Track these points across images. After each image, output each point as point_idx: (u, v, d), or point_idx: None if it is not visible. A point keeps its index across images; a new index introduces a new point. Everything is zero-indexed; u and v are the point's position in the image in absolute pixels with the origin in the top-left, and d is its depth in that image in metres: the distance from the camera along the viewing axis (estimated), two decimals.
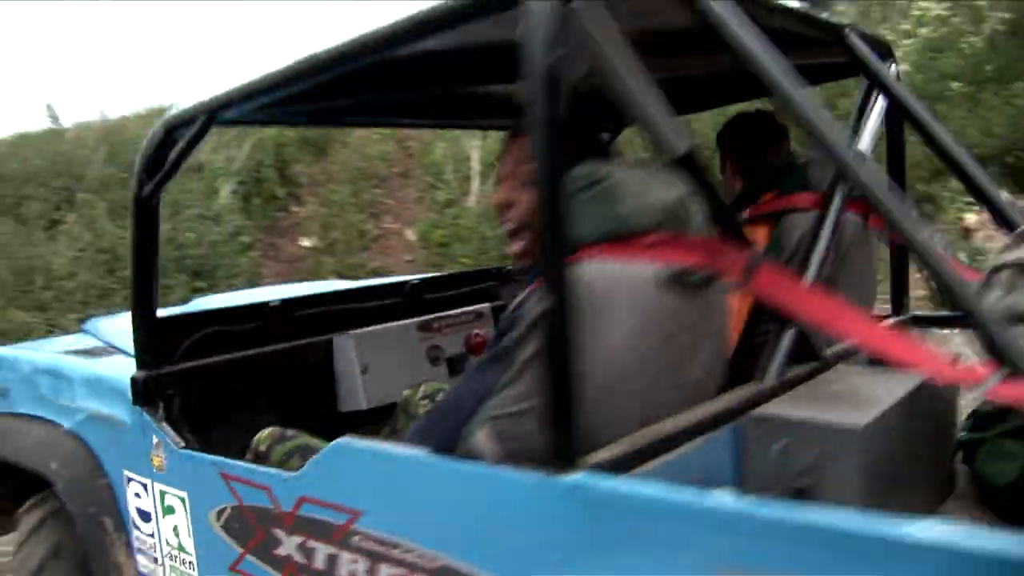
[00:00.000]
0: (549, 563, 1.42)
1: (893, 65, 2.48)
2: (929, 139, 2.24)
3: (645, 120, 1.66)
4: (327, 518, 1.90)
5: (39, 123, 12.39)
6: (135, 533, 2.62)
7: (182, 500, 2.38)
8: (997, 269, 1.78)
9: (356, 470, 1.86)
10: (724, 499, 1.27)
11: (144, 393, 2.43)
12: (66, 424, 2.79)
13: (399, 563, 1.73)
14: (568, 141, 1.55)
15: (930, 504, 1.86)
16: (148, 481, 2.50)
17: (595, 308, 1.63)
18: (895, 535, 1.08)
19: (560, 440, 1.41)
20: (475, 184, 9.91)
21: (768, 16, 2.02)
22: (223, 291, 7.82)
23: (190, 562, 2.41)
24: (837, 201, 2.17)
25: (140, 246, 2.42)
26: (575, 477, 1.37)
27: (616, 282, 1.68)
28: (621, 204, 1.74)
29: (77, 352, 3.04)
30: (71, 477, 2.68)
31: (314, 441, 2.19)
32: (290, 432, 2.32)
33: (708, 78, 2.60)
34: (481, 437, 1.70)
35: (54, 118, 11.91)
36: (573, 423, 1.41)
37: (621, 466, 1.46)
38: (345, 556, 1.88)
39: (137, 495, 2.57)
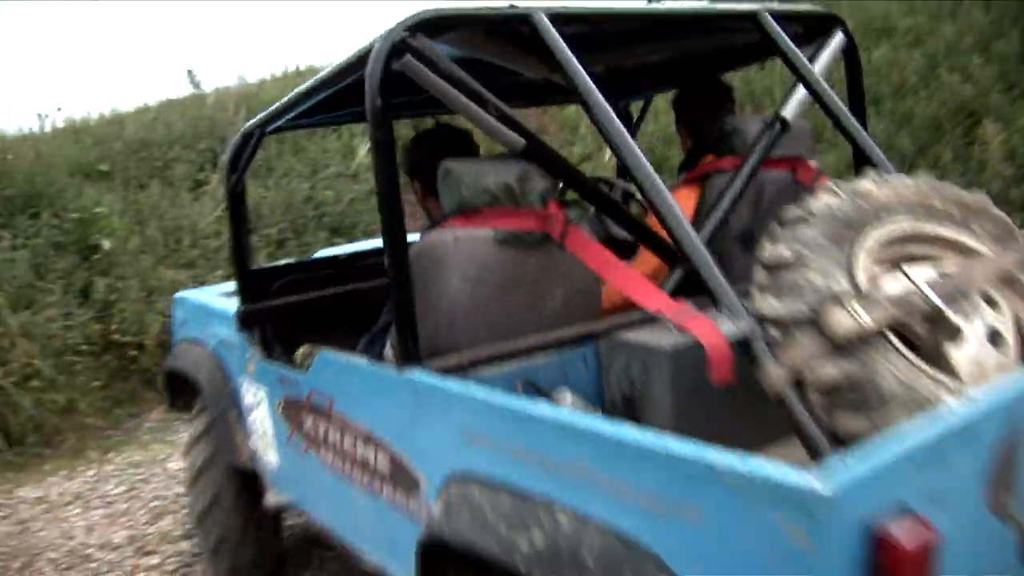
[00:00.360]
0: (406, 424, 2.25)
1: (839, 34, 2.87)
2: (825, 108, 2.65)
3: (486, 130, 2.31)
4: (321, 403, 2.80)
5: (182, 89, 12.73)
6: (247, 421, 3.55)
7: (265, 394, 3.28)
8: (778, 223, 2.10)
9: (331, 371, 2.72)
10: (471, 388, 2.00)
11: (243, 322, 3.35)
12: (210, 345, 3.83)
13: (349, 429, 2.62)
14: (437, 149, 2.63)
15: (778, 432, 2.05)
16: (248, 383, 3.45)
17: (445, 260, 2.36)
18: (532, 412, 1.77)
19: (404, 351, 2.21)
20: None
21: (676, 13, 2.77)
22: None
23: (271, 439, 3.34)
24: (751, 163, 2.66)
25: (234, 220, 3.44)
26: (410, 374, 2.17)
27: (460, 242, 2.37)
28: (464, 187, 2.43)
29: (226, 294, 3.99)
30: (210, 385, 3.73)
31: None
32: (315, 349, 3.01)
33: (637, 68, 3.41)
34: (388, 348, 2.53)
35: (195, 84, 12.21)
36: (410, 342, 2.20)
37: (450, 370, 2.17)
38: (330, 428, 2.76)
39: (245, 394, 3.53)
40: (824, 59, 2.80)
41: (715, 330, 1.89)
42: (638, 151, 2.14)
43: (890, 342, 1.83)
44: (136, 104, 12.06)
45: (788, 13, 2.90)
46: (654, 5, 2.75)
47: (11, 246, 7.80)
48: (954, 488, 1.49)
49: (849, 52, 2.95)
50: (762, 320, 1.91)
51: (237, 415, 3.62)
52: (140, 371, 7.77)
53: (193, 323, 4.11)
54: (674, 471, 1.48)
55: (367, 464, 2.53)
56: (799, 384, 1.80)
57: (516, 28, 2.36)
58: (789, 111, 2.74)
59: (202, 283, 8.17)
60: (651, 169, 2.12)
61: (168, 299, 7.49)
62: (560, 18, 2.36)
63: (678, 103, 3.54)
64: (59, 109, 16.17)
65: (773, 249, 2.03)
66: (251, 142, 3.22)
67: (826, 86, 2.63)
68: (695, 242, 2.05)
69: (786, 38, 2.70)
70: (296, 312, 3.55)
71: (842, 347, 1.80)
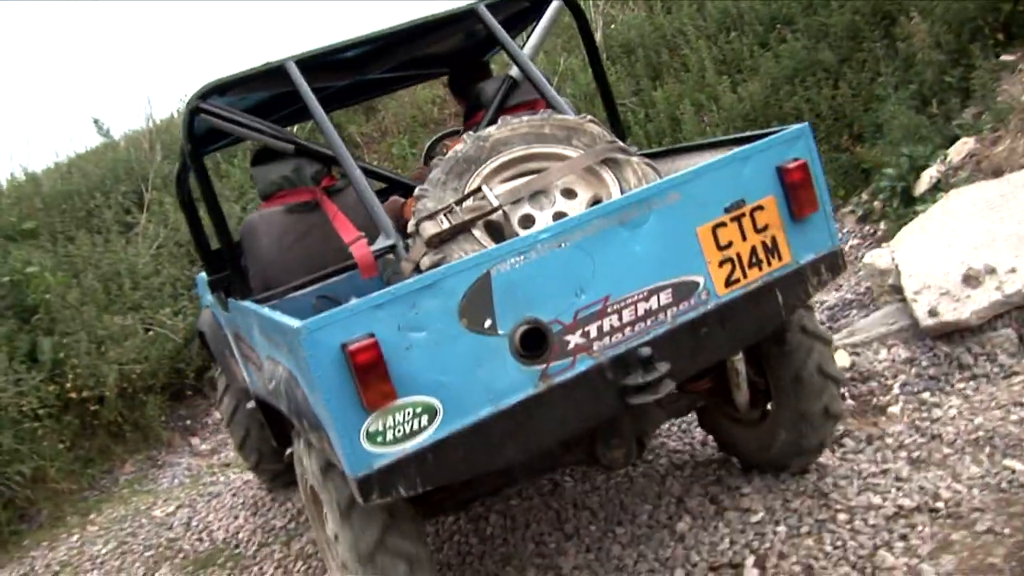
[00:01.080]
0: (251, 333, 3.40)
1: (555, 3, 3.89)
2: (528, 78, 3.69)
3: (265, 143, 3.57)
4: (239, 330, 4.00)
5: (90, 140, 12.41)
6: (235, 353, 4.50)
7: (232, 334, 4.38)
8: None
9: (234, 309, 3.83)
10: (253, 306, 3.27)
11: (212, 286, 4.46)
12: (209, 305, 5.08)
13: (247, 343, 3.76)
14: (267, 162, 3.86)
15: None
16: (225, 328, 4.64)
17: (256, 230, 3.73)
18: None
19: (240, 291, 3.74)
20: None
21: (403, 34, 3.73)
22: None
23: (240, 362, 4.38)
24: (490, 112, 3.80)
25: (190, 220, 4.66)
26: (242, 303, 3.48)
27: (266, 217, 3.76)
28: (262, 183, 3.89)
29: None
30: (211, 333, 5.05)
31: None
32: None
33: (353, 85, 4.43)
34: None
35: (104, 132, 11.85)
36: (242, 286, 3.78)
37: (268, 298, 3.46)
38: (244, 344, 3.94)
39: (228, 335, 4.60)
40: (542, 26, 3.92)
41: (364, 248, 3.12)
42: (340, 143, 3.31)
43: (471, 234, 2.91)
44: (45, 163, 11.72)
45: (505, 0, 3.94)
46: (381, 28, 3.66)
47: None
48: (429, 318, 2.52)
49: (574, 12, 4.05)
50: (407, 236, 3.04)
51: (230, 351, 4.65)
52: (105, 425, 7.48)
53: (203, 294, 5.40)
54: (276, 330, 2.80)
55: (255, 361, 3.65)
56: (419, 270, 2.85)
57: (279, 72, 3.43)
58: (515, 72, 3.85)
59: (151, 323, 8.01)
60: (345, 150, 3.32)
61: (119, 347, 7.33)
62: (306, 62, 3.46)
63: (449, 82, 4.70)
64: None
65: (417, 189, 3.12)
66: (187, 166, 4.22)
67: (529, 63, 3.67)
68: (361, 184, 3.21)
69: (498, 27, 3.67)
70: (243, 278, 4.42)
71: (433, 244, 2.88)
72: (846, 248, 6.51)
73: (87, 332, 7.56)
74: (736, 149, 2.99)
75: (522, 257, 2.60)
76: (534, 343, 2.63)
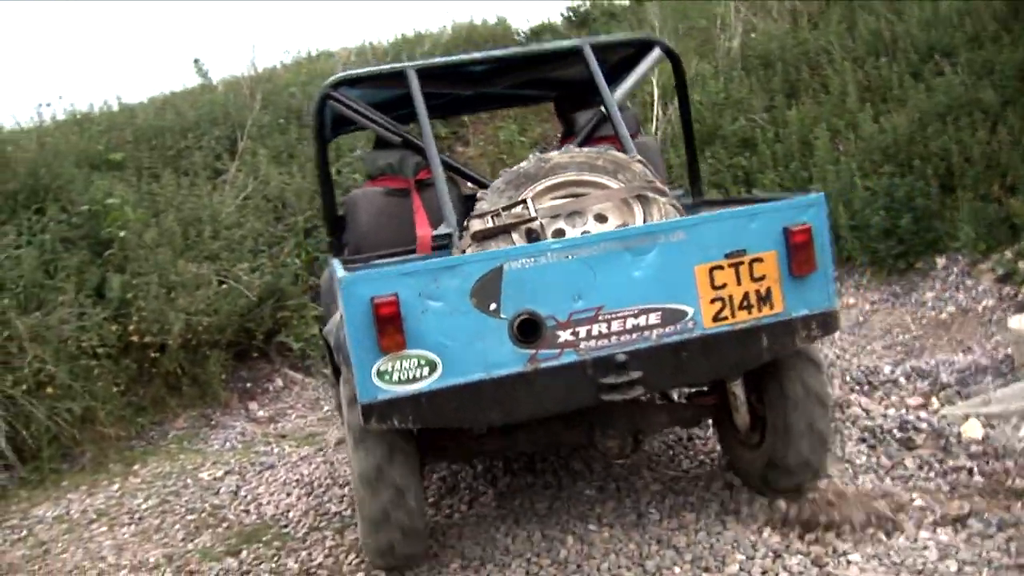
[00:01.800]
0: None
1: (655, 52, 4.48)
2: (610, 119, 4.16)
3: (380, 135, 4.46)
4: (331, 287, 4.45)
5: (188, 80, 12.15)
6: None
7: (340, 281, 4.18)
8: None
9: (328, 266, 4.75)
10: (337, 264, 3.81)
11: (330, 245, 5.01)
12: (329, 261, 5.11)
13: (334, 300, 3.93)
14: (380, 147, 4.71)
15: None
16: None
17: (361, 205, 4.46)
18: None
19: (334, 252, 4.85)
20: (656, 110, 9.11)
21: (513, 60, 4.70)
22: None
23: None
24: (578, 140, 4.37)
25: (322, 180, 5.05)
26: (332, 262, 4.02)
27: (368, 195, 4.50)
28: (370, 166, 4.65)
29: None
30: (324, 286, 5.05)
31: None
32: None
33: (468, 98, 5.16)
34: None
35: (203, 73, 11.55)
36: (339, 251, 4.77)
37: (355, 261, 4.05)
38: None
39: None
40: (638, 72, 4.47)
41: (426, 232, 4.08)
42: (433, 144, 4.02)
43: (510, 236, 3.49)
44: (141, 96, 11.47)
45: (611, 43, 4.72)
46: (500, 51, 4.56)
47: (16, 243, 7.23)
48: (445, 292, 3.14)
49: (672, 61, 4.61)
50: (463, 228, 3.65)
51: (334, 304, 4.90)
52: (163, 375, 7.21)
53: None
54: (333, 278, 3.39)
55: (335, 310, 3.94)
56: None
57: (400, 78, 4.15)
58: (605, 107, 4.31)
59: (227, 276, 7.74)
60: (436, 150, 3.99)
61: (190, 296, 7.02)
62: (423, 70, 4.15)
63: (555, 104, 5.30)
64: (60, 97, 15.71)
65: (479, 192, 3.82)
66: (326, 143, 4.86)
67: (613, 105, 4.17)
68: (440, 180, 3.85)
69: (595, 66, 4.21)
70: None
71: (477, 238, 3.50)
72: (980, 308, 6.07)
73: (159, 275, 7.27)
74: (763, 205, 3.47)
75: (532, 260, 3.19)
76: (529, 331, 3.19)
